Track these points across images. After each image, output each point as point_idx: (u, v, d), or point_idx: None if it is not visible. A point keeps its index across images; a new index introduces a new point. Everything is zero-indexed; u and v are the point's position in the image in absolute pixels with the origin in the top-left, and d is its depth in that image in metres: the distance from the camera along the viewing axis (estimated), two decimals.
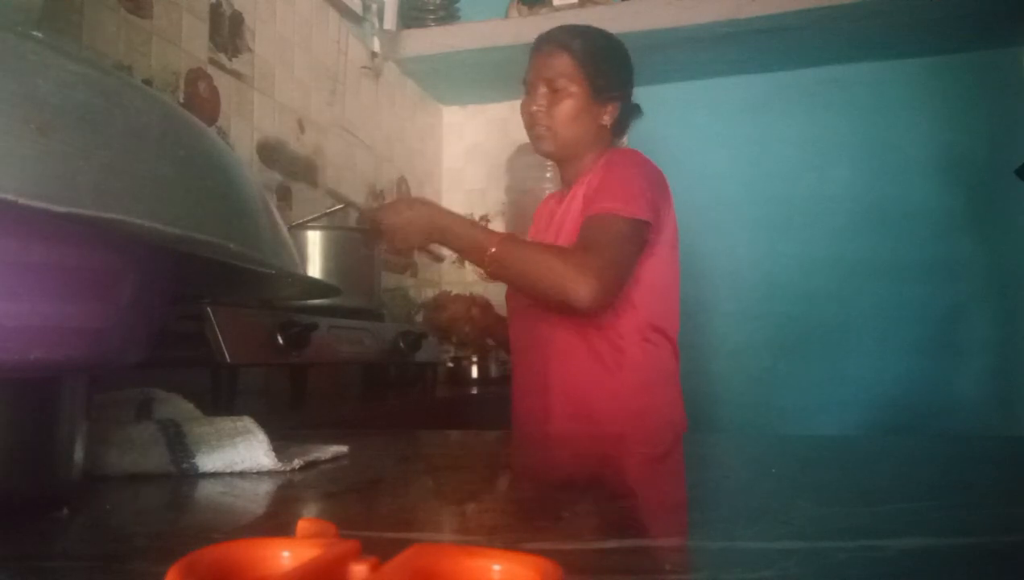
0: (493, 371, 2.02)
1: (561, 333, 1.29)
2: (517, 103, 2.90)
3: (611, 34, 1.41)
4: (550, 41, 1.36)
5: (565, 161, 1.39)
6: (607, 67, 1.36)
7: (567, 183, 1.41)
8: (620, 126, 1.40)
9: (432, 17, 2.31)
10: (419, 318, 1.89)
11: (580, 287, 1.14)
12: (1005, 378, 2.20)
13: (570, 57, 1.33)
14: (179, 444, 0.51)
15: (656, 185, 1.28)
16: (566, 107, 1.32)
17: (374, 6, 2.13)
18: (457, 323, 1.50)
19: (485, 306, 1.55)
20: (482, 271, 1.24)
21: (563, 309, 1.20)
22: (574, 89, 1.32)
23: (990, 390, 2.21)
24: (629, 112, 1.41)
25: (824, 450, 0.70)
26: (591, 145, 1.36)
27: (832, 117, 2.39)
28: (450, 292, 1.60)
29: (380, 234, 1.25)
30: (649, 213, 1.22)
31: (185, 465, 0.50)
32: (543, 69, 1.34)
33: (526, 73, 1.39)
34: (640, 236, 1.23)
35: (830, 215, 2.37)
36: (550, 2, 2.21)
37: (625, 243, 1.20)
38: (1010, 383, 2.20)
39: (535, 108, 1.34)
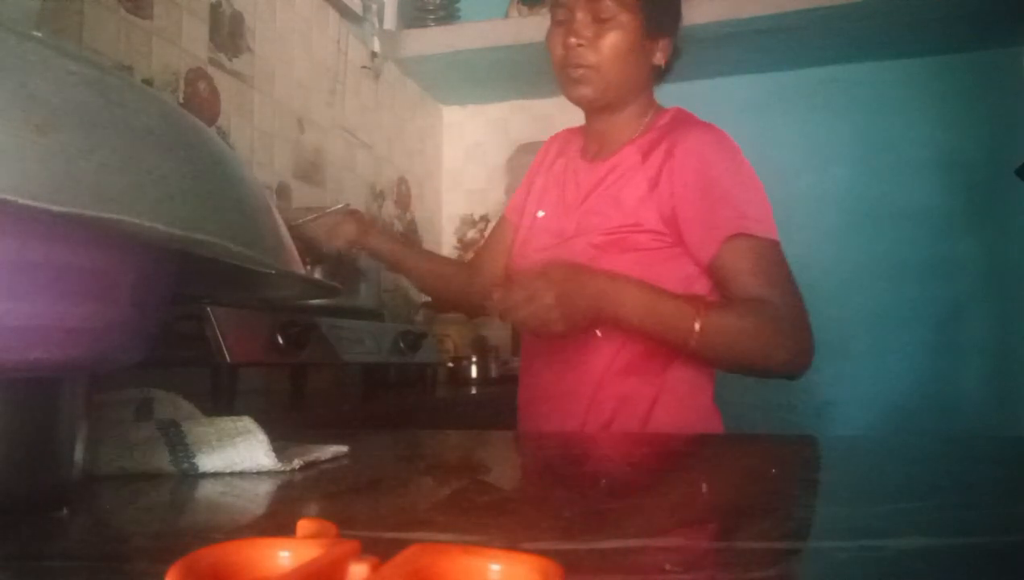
0: (493, 371, 2.02)
1: (593, 340, 1.04)
2: (517, 103, 2.90)
3: None
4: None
5: (604, 111, 1.10)
6: None
7: (600, 141, 1.13)
8: (670, 64, 1.13)
9: (432, 17, 2.31)
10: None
11: (797, 352, 0.94)
12: (1005, 378, 2.20)
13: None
14: (179, 444, 0.51)
15: (760, 185, 1.06)
16: (616, 40, 1.03)
17: (374, 6, 2.13)
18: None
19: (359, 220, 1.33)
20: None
21: (769, 377, 0.99)
22: (625, 18, 1.03)
23: (990, 390, 2.21)
24: (676, 54, 1.13)
25: (824, 450, 0.70)
26: (639, 92, 1.10)
27: (832, 117, 2.39)
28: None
29: (516, 321, 0.94)
30: (776, 232, 1.01)
31: (185, 465, 0.50)
32: (597, 14, 1.04)
33: None
34: (786, 259, 1.02)
35: (830, 215, 2.37)
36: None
37: (792, 275, 1.00)
38: (1010, 383, 2.19)
39: (573, 40, 1.03)
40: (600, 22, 1.03)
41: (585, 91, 1.06)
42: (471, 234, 2.70)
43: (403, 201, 2.43)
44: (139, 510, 0.43)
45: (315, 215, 1.39)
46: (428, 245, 2.59)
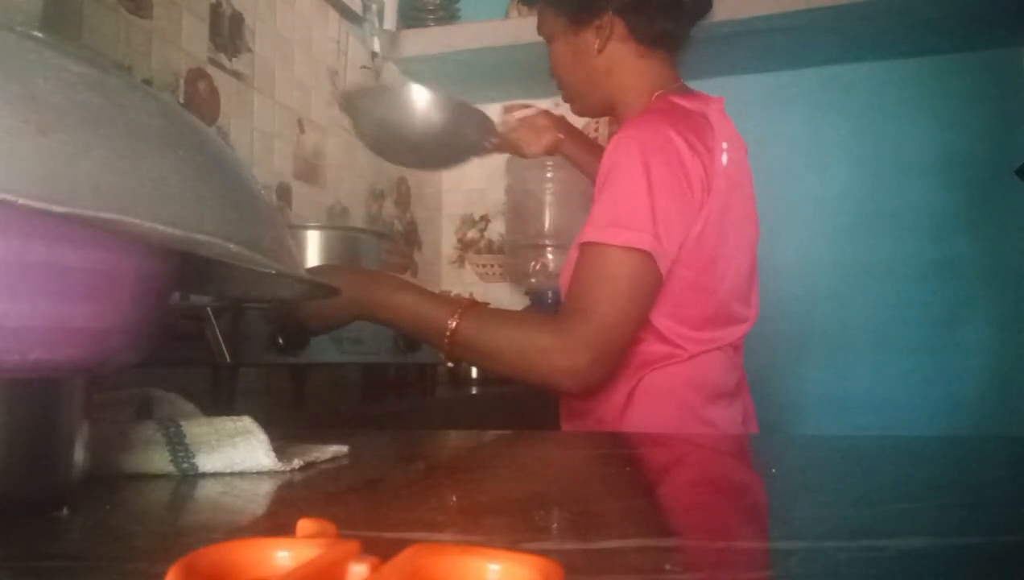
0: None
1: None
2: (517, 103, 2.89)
3: None
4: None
5: (610, 115, 1.14)
6: None
7: None
8: (648, 29, 1.06)
9: (432, 17, 2.31)
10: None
11: (567, 364, 0.90)
12: (1005, 378, 2.20)
13: (543, 6, 1.10)
14: (179, 444, 0.51)
15: (673, 189, 0.96)
16: (554, 53, 1.10)
17: (374, 6, 2.13)
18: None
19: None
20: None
21: (547, 385, 0.97)
22: (553, 27, 1.08)
23: (990, 390, 2.21)
24: (654, 5, 1.06)
25: (824, 450, 0.70)
26: (625, 84, 1.08)
27: (832, 117, 2.39)
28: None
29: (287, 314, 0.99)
30: (650, 239, 0.92)
31: (185, 465, 0.50)
32: (538, 33, 1.13)
33: None
34: (648, 270, 0.93)
35: (830, 215, 2.37)
36: None
37: (624, 290, 0.92)
38: (1010, 383, 2.19)
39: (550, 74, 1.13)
40: (549, 50, 1.09)
41: (573, 108, 1.14)
42: (471, 234, 2.70)
43: (403, 201, 2.43)
44: (139, 510, 0.43)
45: (519, 112, 1.26)
46: (428, 245, 2.59)
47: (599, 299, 0.92)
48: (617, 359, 0.96)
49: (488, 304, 1.01)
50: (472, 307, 0.94)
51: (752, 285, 1.14)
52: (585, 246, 0.95)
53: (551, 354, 0.90)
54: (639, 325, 0.97)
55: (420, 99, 1.15)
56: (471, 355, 0.96)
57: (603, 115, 1.14)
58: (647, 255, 0.92)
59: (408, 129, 1.15)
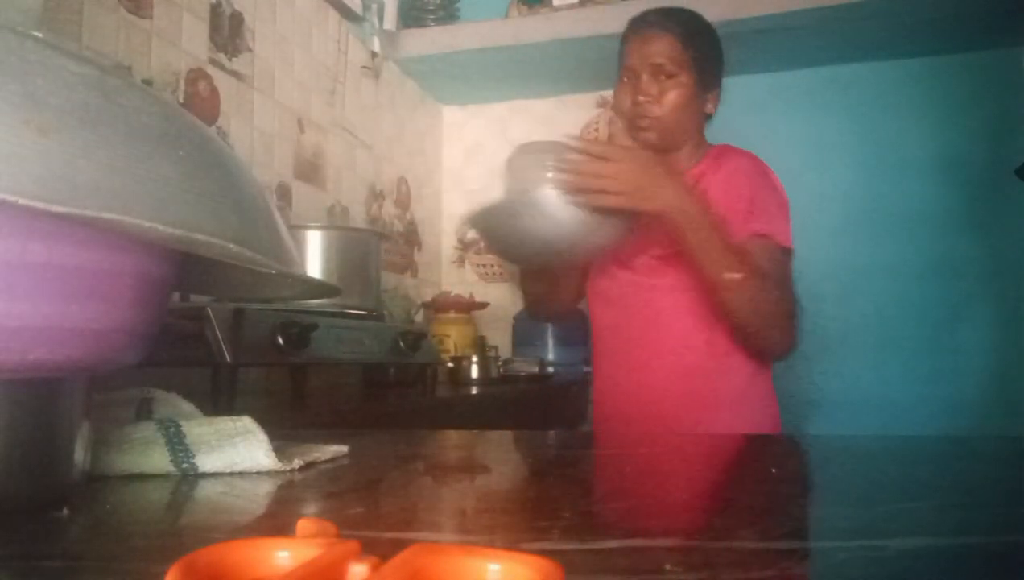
0: (493, 371, 2.02)
1: (680, 319, 1.22)
2: (517, 103, 2.90)
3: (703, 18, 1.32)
4: (651, 24, 1.27)
5: (665, 152, 1.28)
6: (712, 52, 1.29)
7: None
8: (714, 108, 1.33)
9: (432, 17, 2.31)
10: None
11: (791, 335, 1.15)
12: (1005, 378, 2.20)
13: (676, 41, 1.24)
14: (179, 444, 0.51)
15: (787, 209, 1.26)
16: (676, 95, 1.24)
17: (374, 6, 2.13)
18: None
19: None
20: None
21: (769, 350, 1.20)
22: (683, 77, 1.24)
23: (990, 390, 2.21)
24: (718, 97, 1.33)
25: (824, 450, 0.70)
26: (694, 135, 1.30)
27: (832, 117, 2.39)
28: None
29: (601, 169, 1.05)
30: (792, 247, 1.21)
31: (185, 465, 0.50)
32: (648, 54, 1.24)
33: (622, 59, 1.29)
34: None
35: (830, 215, 2.37)
36: (550, 2, 2.21)
37: (793, 283, 1.19)
38: (1010, 383, 2.19)
39: (641, 98, 1.24)
40: (662, 81, 1.24)
41: (650, 138, 1.26)
42: (471, 234, 2.70)
43: (403, 201, 2.43)
44: (139, 510, 0.43)
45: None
46: (428, 245, 2.59)
47: (790, 288, 1.18)
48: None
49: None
50: (754, 265, 1.12)
51: None
52: (771, 241, 1.19)
53: (787, 325, 1.15)
54: None
55: (548, 203, 1.13)
56: (736, 303, 1.12)
57: (661, 150, 1.25)
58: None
59: (542, 234, 1.14)
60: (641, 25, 1.28)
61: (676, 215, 1.07)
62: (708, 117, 1.31)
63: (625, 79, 1.28)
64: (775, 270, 1.15)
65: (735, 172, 1.22)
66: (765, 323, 1.14)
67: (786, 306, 1.14)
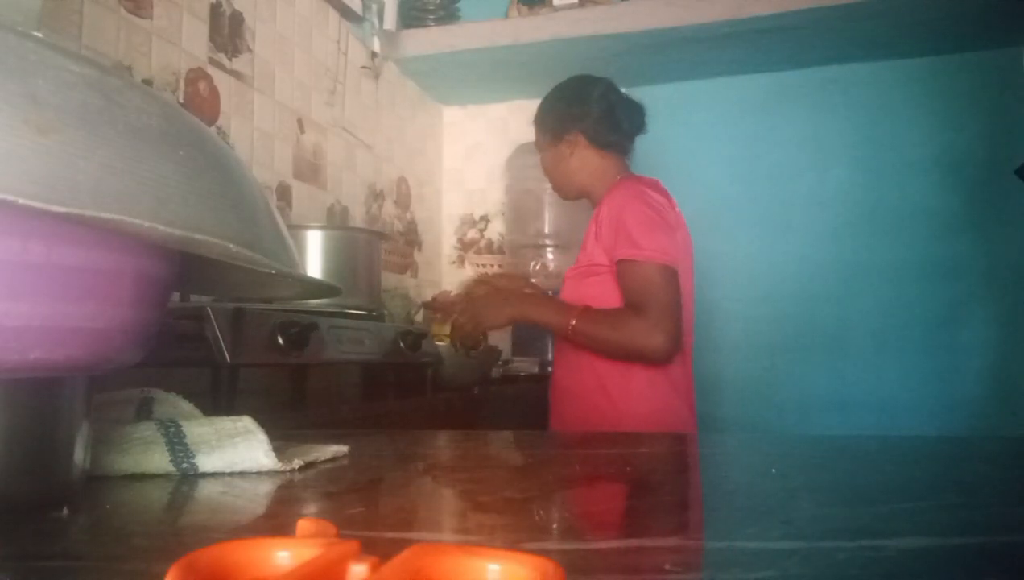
0: (493, 371, 2.02)
1: (579, 350, 1.43)
2: (517, 103, 2.91)
3: (574, 78, 1.58)
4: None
5: (587, 198, 1.55)
6: (552, 111, 1.53)
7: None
8: (603, 140, 1.51)
9: (432, 17, 2.31)
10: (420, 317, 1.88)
11: (653, 346, 1.32)
12: (1005, 378, 2.20)
13: (536, 126, 1.56)
14: (179, 444, 0.51)
15: (661, 222, 1.40)
16: (544, 164, 1.56)
17: (374, 6, 2.13)
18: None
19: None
20: (491, 271, 1.34)
21: (642, 361, 1.37)
22: (540, 143, 1.55)
23: (990, 390, 2.21)
24: (604, 125, 1.51)
25: (824, 450, 0.70)
26: (591, 176, 1.52)
27: (832, 117, 2.39)
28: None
29: (453, 320, 1.45)
30: (668, 256, 1.36)
31: (185, 465, 0.50)
32: (535, 146, 1.58)
33: None
34: (673, 277, 1.37)
35: (830, 215, 2.37)
36: (550, 2, 2.21)
37: (667, 289, 1.35)
38: (1010, 383, 2.20)
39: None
40: (540, 156, 1.57)
41: (563, 197, 1.60)
42: (471, 234, 2.70)
43: (403, 201, 2.43)
44: (139, 510, 0.43)
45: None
46: (428, 245, 2.59)
47: (660, 301, 1.33)
48: (680, 335, 1.35)
49: (595, 308, 1.40)
50: (584, 310, 1.37)
51: (690, 312, 1.52)
52: (636, 263, 1.35)
53: (642, 341, 1.32)
54: (680, 311, 1.36)
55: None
56: (585, 341, 1.38)
57: (579, 198, 1.57)
58: (674, 270, 1.37)
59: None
60: None
61: (510, 319, 1.44)
62: (591, 154, 1.51)
63: None
64: (638, 290, 1.34)
65: (608, 209, 1.41)
66: (617, 345, 1.35)
67: (644, 322, 1.32)
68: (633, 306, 1.35)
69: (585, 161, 1.51)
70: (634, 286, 1.36)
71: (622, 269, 1.37)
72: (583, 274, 1.46)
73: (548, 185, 2.46)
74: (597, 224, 1.43)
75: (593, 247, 1.44)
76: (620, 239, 1.37)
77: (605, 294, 1.41)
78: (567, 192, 1.56)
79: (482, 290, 1.56)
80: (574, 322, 1.36)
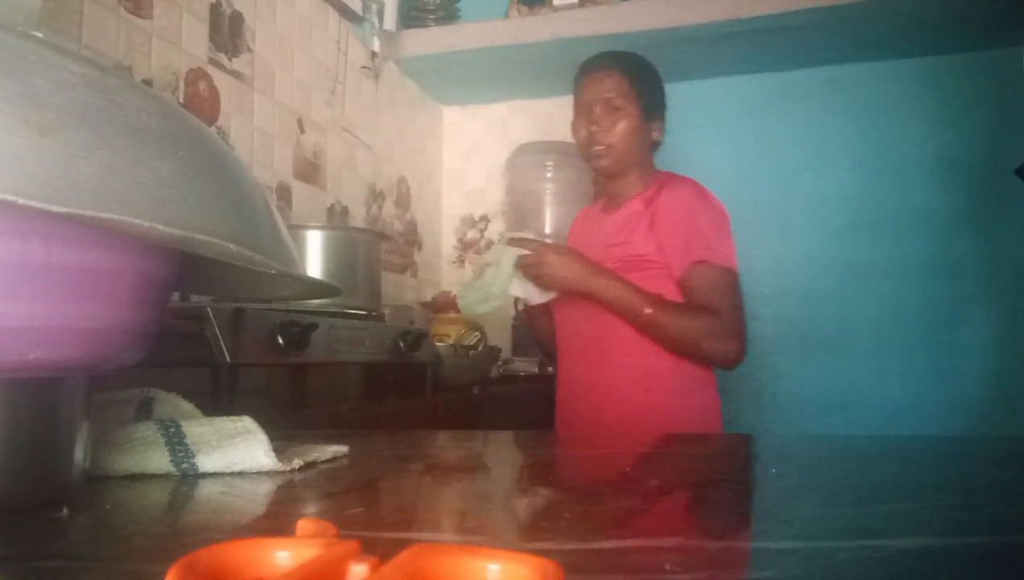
0: (493, 371, 2.02)
1: (617, 345, 1.37)
2: (517, 103, 2.90)
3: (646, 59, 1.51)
4: (600, 65, 1.45)
5: (617, 176, 1.46)
6: (653, 87, 1.46)
7: (613, 196, 1.49)
8: (659, 139, 1.49)
9: (432, 17, 2.31)
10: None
11: (726, 350, 1.30)
12: (1005, 378, 2.20)
13: (622, 77, 1.42)
14: (179, 444, 0.51)
15: (727, 227, 1.40)
16: (624, 125, 1.42)
17: (374, 6, 2.13)
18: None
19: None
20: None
21: (711, 362, 1.36)
22: (630, 108, 1.41)
23: (990, 390, 2.21)
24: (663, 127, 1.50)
25: (824, 450, 0.70)
26: (642, 160, 1.46)
27: (832, 117, 2.39)
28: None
29: (540, 263, 1.34)
30: (735, 262, 1.36)
31: (185, 465, 0.50)
32: (599, 91, 1.42)
33: (576, 97, 1.48)
34: (739, 284, 1.36)
35: (830, 215, 2.37)
36: (550, 2, 2.21)
37: (738, 296, 1.34)
38: (1010, 383, 2.19)
39: (594, 128, 1.42)
40: (612, 113, 1.41)
41: (603, 163, 1.44)
42: (471, 234, 2.70)
43: (403, 201, 2.43)
44: (139, 510, 0.43)
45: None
46: (428, 245, 2.59)
47: (731, 305, 1.32)
48: (746, 345, 1.33)
49: (670, 299, 1.35)
50: (660, 299, 1.32)
51: None
52: (710, 265, 1.33)
53: (715, 342, 1.30)
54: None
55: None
56: (654, 332, 1.32)
57: (613, 174, 1.46)
58: (735, 274, 1.36)
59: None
60: (592, 66, 1.46)
61: (588, 289, 1.34)
62: (656, 145, 1.47)
63: (579, 114, 1.46)
64: (714, 294, 1.31)
65: (672, 203, 1.37)
66: (694, 342, 1.31)
67: (720, 325, 1.30)
68: (705, 308, 1.32)
69: (647, 148, 1.46)
70: (708, 289, 1.32)
71: (696, 270, 1.33)
72: (628, 266, 1.38)
73: (549, 185, 2.48)
74: (652, 215, 1.37)
75: (644, 238, 1.37)
76: (694, 239, 1.34)
77: (662, 293, 1.34)
78: (614, 161, 1.43)
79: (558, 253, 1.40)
80: (649, 310, 1.30)
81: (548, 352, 1.60)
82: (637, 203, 1.42)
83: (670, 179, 1.42)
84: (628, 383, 1.37)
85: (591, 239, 1.49)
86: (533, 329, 1.61)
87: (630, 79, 1.42)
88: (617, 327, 1.35)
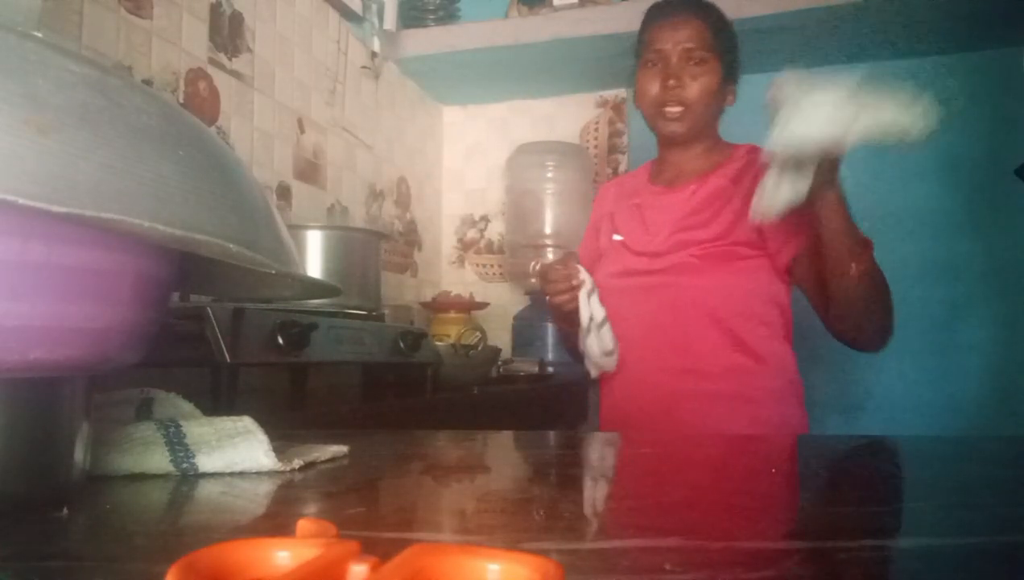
0: (493, 371, 2.02)
1: (703, 343, 1.18)
2: (517, 103, 2.90)
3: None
4: (679, 10, 1.22)
5: (683, 144, 1.25)
6: (734, 44, 1.27)
7: (677, 170, 1.27)
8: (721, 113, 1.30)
9: (432, 17, 2.31)
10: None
11: (888, 337, 1.19)
12: (1005, 378, 2.20)
13: (706, 27, 1.21)
14: (179, 444, 0.51)
15: None
16: (707, 81, 1.20)
17: (374, 6, 2.13)
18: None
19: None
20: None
21: (865, 347, 1.21)
22: (713, 63, 1.21)
23: (990, 390, 2.21)
24: None
25: (824, 450, 0.70)
26: (713, 128, 1.26)
27: None
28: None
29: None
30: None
31: (185, 465, 0.50)
32: (679, 39, 1.19)
33: (647, 45, 1.23)
34: None
35: None
36: (550, 2, 2.21)
37: None
38: (1010, 383, 2.19)
39: (672, 83, 1.19)
40: (692, 67, 1.20)
41: (677, 127, 1.22)
42: (471, 234, 2.70)
43: (403, 201, 2.43)
44: (139, 510, 0.43)
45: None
46: (428, 245, 2.59)
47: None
48: None
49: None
50: (873, 258, 1.13)
51: None
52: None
53: (887, 319, 1.18)
54: None
55: None
56: (864, 283, 1.14)
57: (681, 142, 1.25)
58: None
59: None
60: (669, 11, 1.23)
61: (836, 196, 1.13)
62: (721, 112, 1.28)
63: (651, 65, 1.22)
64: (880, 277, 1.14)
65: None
66: (880, 318, 1.17)
67: (889, 301, 1.17)
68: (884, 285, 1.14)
69: (718, 113, 1.27)
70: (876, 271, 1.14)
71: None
72: (723, 256, 1.15)
73: (548, 185, 2.48)
74: (746, 194, 1.12)
75: (738, 221, 1.15)
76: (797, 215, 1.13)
77: (759, 287, 1.18)
78: (690, 126, 1.21)
79: None
80: (863, 265, 1.12)
81: (572, 346, 1.35)
82: (718, 179, 1.20)
83: (758, 152, 1.16)
84: (717, 384, 1.19)
85: (647, 220, 1.25)
86: (563, 321, 1.30)
87: (714, 30, 1.21)
88: (702, 320, 1.16)
